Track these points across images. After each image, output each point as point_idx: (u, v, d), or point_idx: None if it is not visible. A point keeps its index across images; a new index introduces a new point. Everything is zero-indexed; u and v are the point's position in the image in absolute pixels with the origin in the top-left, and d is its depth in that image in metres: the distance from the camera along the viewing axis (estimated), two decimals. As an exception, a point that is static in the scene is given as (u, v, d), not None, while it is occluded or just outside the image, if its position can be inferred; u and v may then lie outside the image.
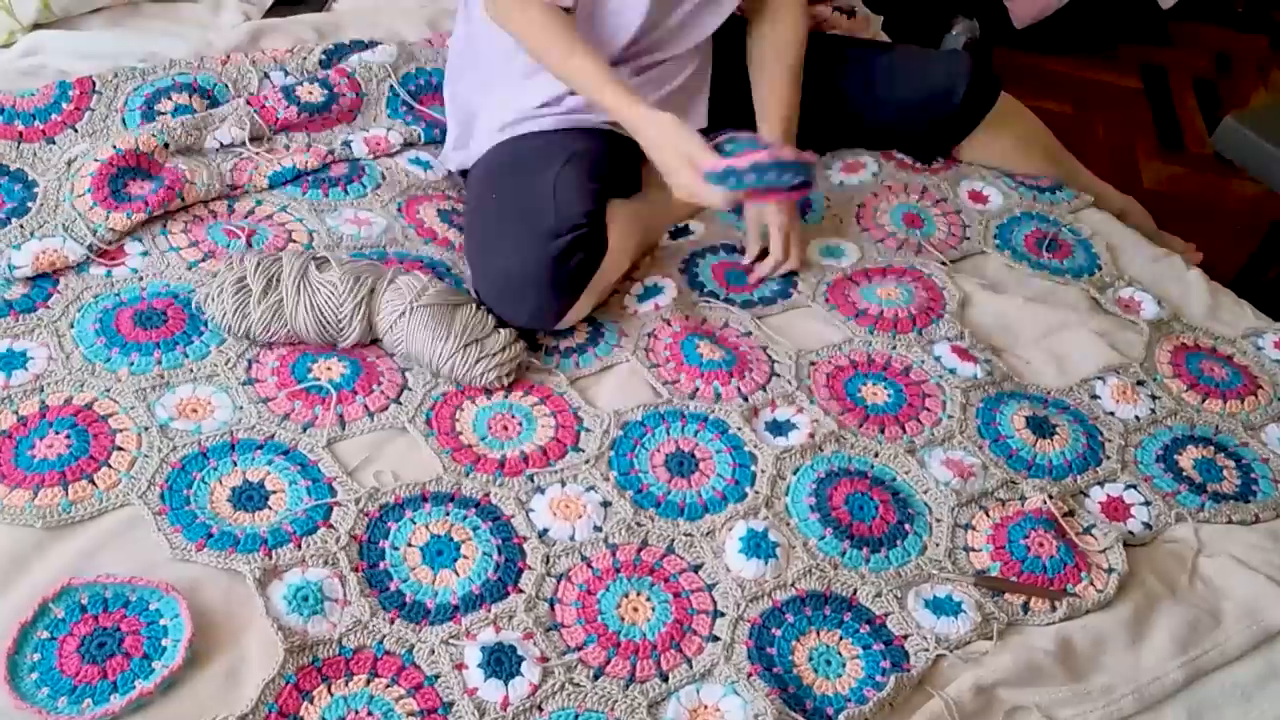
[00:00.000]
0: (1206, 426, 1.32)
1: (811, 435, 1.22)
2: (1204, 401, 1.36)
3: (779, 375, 1.30)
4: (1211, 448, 1.29)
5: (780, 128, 1.47)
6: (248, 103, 1.51)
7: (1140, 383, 1.36)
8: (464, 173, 1.52)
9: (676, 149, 1.25)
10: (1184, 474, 1.25)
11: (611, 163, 1.43)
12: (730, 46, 1.53)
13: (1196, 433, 1.31)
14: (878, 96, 1.62)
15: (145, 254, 1.31)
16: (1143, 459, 1.27)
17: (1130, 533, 1.17)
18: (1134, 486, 1.22)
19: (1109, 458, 1.26)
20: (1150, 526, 1.18)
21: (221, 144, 1.47)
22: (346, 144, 1.53)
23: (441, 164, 1.55)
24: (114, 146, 1.37)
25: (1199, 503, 1.21)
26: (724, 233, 1.53)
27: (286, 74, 1.60)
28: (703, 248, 1.50)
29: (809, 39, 1.53)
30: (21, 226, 1.30)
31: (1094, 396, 1.34)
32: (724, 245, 1.51)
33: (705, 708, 0.97)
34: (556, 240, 1.27)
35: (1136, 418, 1.32)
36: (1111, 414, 1.32)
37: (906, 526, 1.14)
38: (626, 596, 1.05)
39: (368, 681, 0.95)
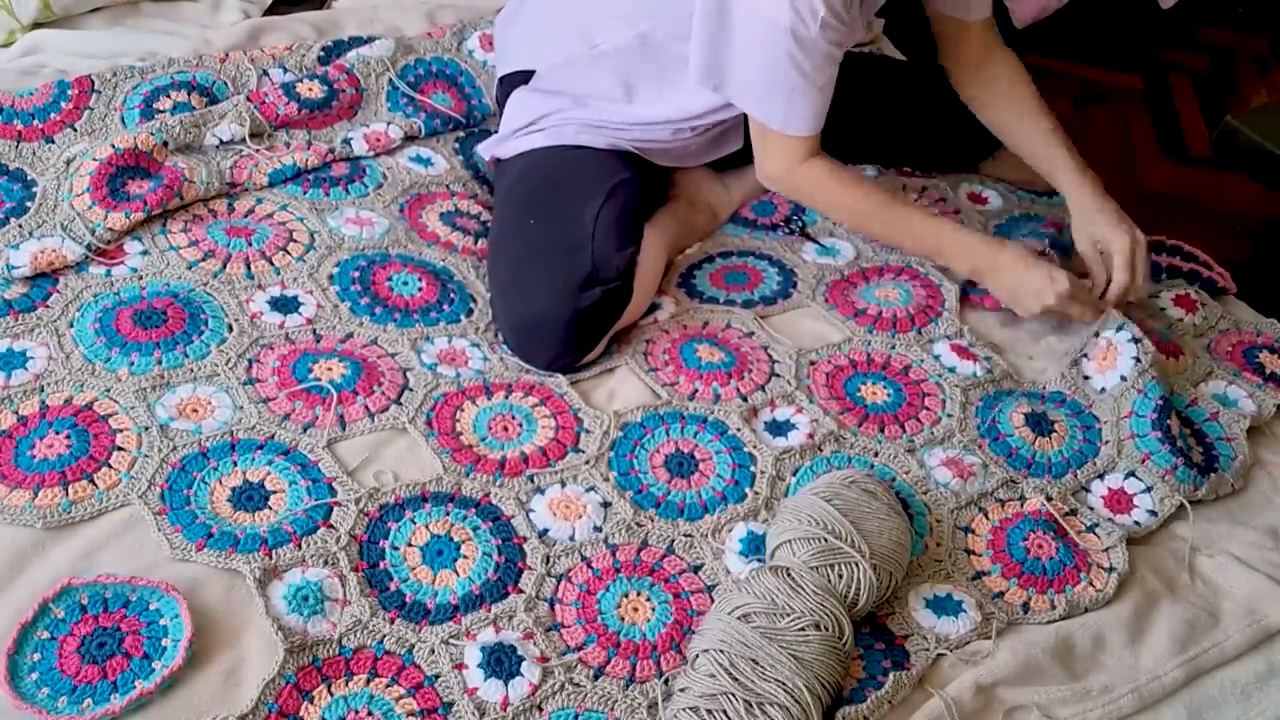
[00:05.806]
0: (1161, 385, 1.27)
1: (811, 435, 1.22)
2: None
3: (779, 375, 1.30)
4: (1173, 413, 1.26)
5: (1093, 192, 1.41)
6: (248, 99, 1.50)
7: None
8: (496, 160, 1.49)
9: (1042, 267, 1.32)
10: (1177, 444, 1.22)
11: (644, 191, 1.41)
12: None
13: (1164, 392, 1.27)
14: (905, 118, 1.60)
15: (145, 253, 1.31)
16: (1139, 429, 1.24)
17: (1136, 523, 1.17)
18: (1133, 474, 1.22)
19: (1106, 442, 1.25)
20: (1155, 513, 1.18)
21: (221, 141, 1.46)
22: (347, 141, 1.52)
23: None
24: (113, 145, 1.37)
25: (1191, 477, 1.20)
26: (720, 243, 1.53)
27: (285, 71, 1.60)
28: (700, 259, 1.49)
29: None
30: (20, 226, 1.29)
31: (1085, 377, 1.33)
32: (720, 254, 1.51)
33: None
34: (588, 292, 1.26)
35: (1122, 378, 1.28)
36: (1102, 390, 1.30)
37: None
38: (626, 597, 1.05)
39: (368, 681, 0.95)
